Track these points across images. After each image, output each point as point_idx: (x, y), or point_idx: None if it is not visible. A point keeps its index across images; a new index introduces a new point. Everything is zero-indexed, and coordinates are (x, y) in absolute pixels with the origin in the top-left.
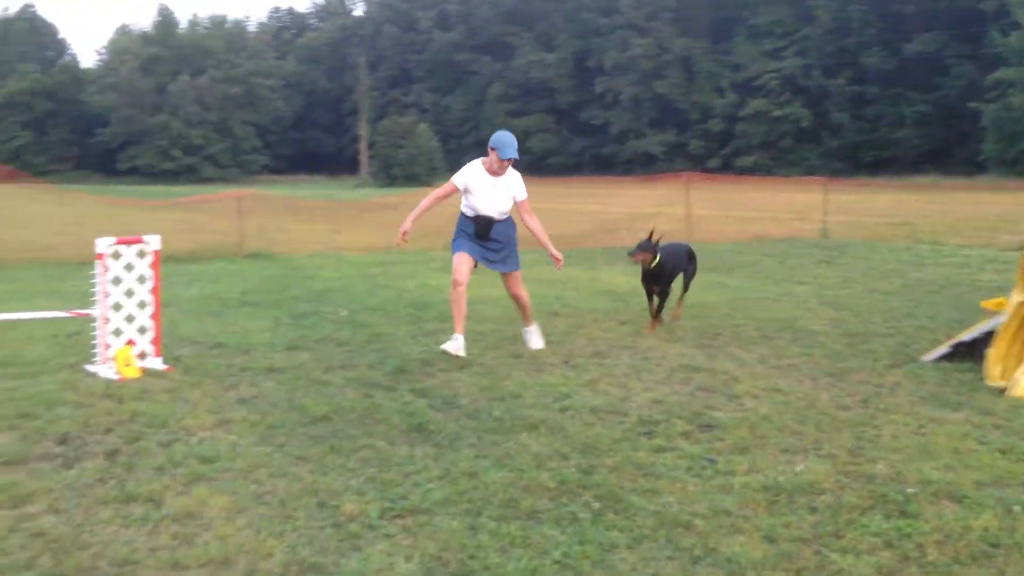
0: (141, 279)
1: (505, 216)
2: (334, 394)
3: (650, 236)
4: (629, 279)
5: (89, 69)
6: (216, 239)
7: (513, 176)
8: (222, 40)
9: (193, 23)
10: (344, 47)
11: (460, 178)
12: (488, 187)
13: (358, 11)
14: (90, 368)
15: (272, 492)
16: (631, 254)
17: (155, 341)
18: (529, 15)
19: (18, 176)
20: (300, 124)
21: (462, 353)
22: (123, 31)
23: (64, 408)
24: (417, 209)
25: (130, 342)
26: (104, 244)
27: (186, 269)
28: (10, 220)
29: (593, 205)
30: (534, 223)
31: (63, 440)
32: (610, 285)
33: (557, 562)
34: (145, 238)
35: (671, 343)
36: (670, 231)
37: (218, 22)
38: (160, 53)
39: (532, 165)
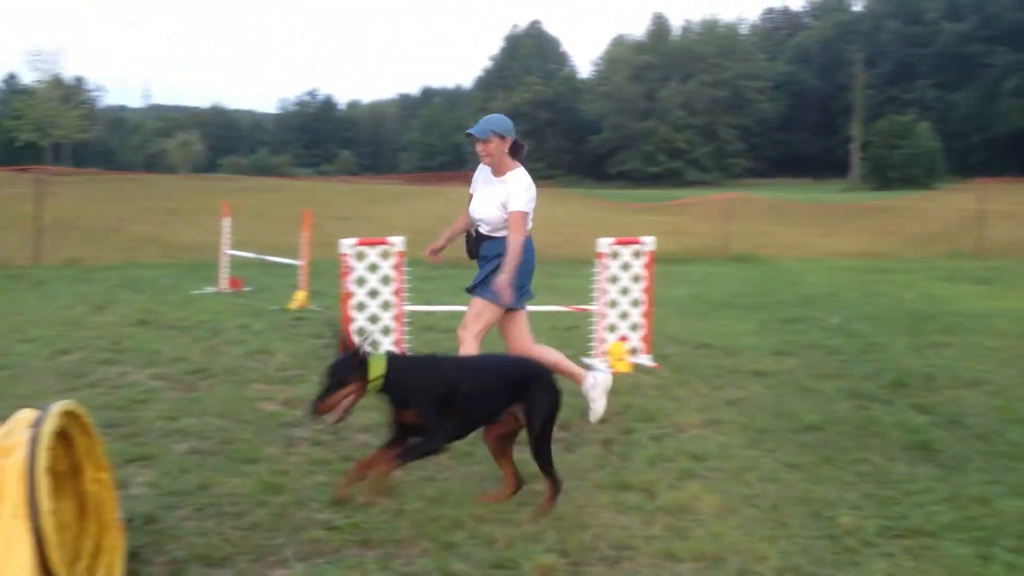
0: (636, 278)
1: (500, 232)
2: (825, 403)
3: (346, 342)
4: None
5: (585, 79)
6: (700, 241)
7: (515, 178)
8: (713, 44)
9: (686, 29)
10: (839, 44)
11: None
12: (483, 188)
13: (857, 6)
14: (586, 360)
15: (763, 496)
16: (312, 409)
17: (646, 338)
18: None
19: None
20: (786, 126)
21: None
22: (618, 41)
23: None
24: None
25: (623, 338)
26: (605, 244)
27: (671, 270)
28: None
29: None
30: (511, 238)
31: (565, 426)
32: None
33: None
34: (642, 239)
35: None
36: None
37: (710, 27)
38: (651, 61)
39: None
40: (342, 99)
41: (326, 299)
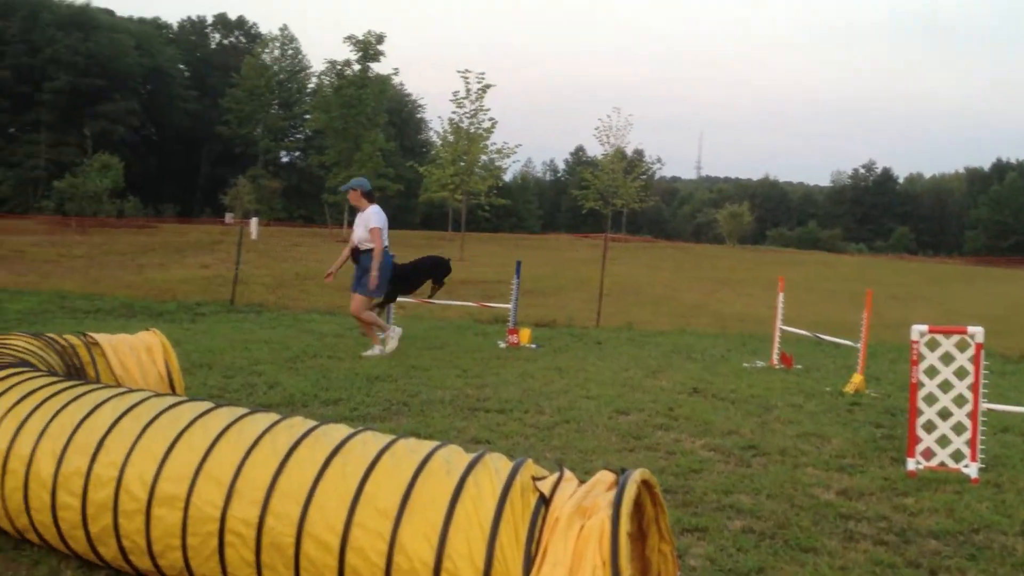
0: None
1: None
2: None
3: None
4: None
5: None
6: None
7: (370, 210)
8: None
9: None
10: None
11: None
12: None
13: None
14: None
15: None
16: None
17: None
18: None
19: None
20: None
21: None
22: None
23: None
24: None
25: None
26: None
27: None
28: None
29: None
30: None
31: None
32: None
33: None
34: None
35: None
36: None
37: None
38: None
39: None
40: (901, 172)
41: (883, 385)
